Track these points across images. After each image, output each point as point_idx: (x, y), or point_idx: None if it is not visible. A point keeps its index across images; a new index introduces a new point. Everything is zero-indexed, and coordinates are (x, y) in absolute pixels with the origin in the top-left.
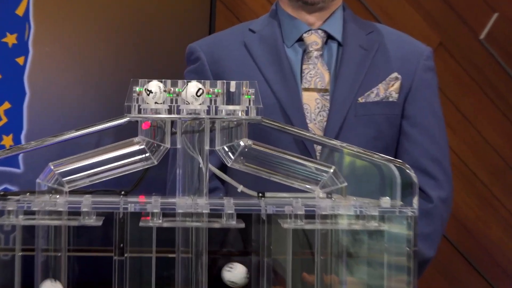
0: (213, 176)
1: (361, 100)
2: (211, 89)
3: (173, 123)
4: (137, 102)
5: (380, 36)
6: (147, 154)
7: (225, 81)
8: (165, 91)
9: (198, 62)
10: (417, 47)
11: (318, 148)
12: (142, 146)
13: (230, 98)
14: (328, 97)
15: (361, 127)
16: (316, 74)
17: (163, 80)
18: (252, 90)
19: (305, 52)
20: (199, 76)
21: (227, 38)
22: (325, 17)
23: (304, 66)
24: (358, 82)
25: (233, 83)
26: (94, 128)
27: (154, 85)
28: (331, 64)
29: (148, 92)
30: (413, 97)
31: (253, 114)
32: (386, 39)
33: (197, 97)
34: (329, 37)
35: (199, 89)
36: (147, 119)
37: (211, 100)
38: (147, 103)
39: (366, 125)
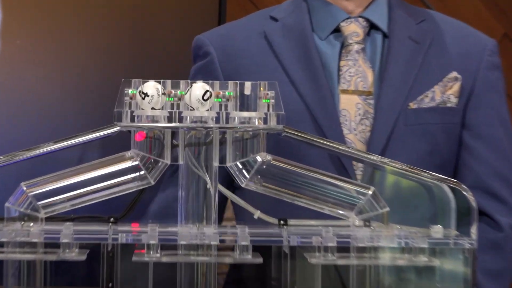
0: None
1: (412, 105)
2: (221, 92)
3: (174, 133)
4: (130, 107)
5: (434, 25)
6: (142, 172)
7: (238, 82)
8: (164, 94)
9: (207, 58)
10: (479, 40)
11: (359, 165)
12: (136, 162)
13: (245, 103)
14: (371, 102)
15: (412, 139)
16: (357, 72)
17: (161, 80)
18: (271, 93)
19: (343, 45)
20: (207, 75)
21: (243, 29)
22: (366, 2)
23: (342, 63)
24: (408, 83)
25: (248, 84)
26: (77, 139)
27: (151, 87)
28: (375, 60)
29: (143, 95)
30: (477, 102)
31: (273, 123)
32: (441, 30)
33: (203, 102)
34: (372, 26)
35: (206, 91)
36: (142, 129)
37: (221, 106)
38: (142, 109)
39: (419, 136)
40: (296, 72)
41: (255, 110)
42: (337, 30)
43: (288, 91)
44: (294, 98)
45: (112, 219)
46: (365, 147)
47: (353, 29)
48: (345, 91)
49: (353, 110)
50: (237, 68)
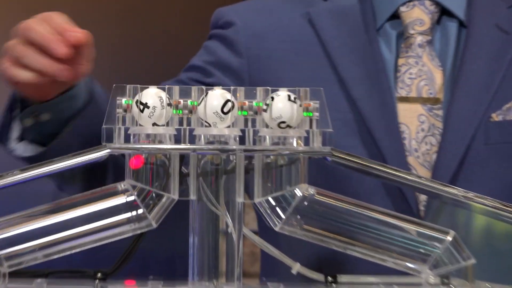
0: None
1: (496, 117)
2: (247, 102)
3: (183, 158)
4: (123, 123)
5: None
6: (140, 211)
7: (269, 88)
8: (170, 104)
9: (230, 27)
10: None
11: (421, 197)
12: (132, 198)
13: None
14: (439, 113)
15: (495, 163)
16: (420, 73)
17: (166, 86)
18: (315, 103)
19: (402, 36)
20: (224, 48)
21: (280, 7)
22: None
23: (400, 61)
24: (492, 87)
25: (282, 93)
26: (51, 167)
27: (152, 95)
28: (445, 57)
29: (142, 107)
30: None
31: (317, 143)
32: None
33: (223, 115)
34: (443, 12)
35: (227, 101)
36: (140, 152)
37: (246, 121)
38: (141, 125)
39: (505, 159)
40: (348, 68)
41: (293, 126)
42: (395, 17)
43: (335, 93)
44: (343, 103)
45: (99, 275)
46: (430, 173)
47: (417, 16)
48: (403, 99)
49: (415, 125)
50: (267, 53)
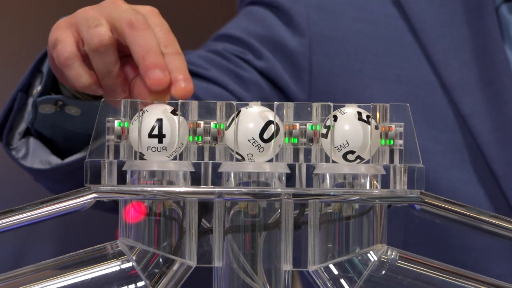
0: None
1: None
2: (297, 125)
3: (204, 207)
4: (117, 155)
5: None
6: (141, 284)
7: (331, 104)
8: (185, 128)
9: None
10: None
11: None
12: (128, 264)
13: None
14: None
15: None
16: None
17: (178, 101)
18: (399, 127)
19: None
20: (279, 24)
21: None
22: None
23: None
24: None
25: (350, 110)
26: (12, 218)
27: (158, 114)
28: None
29: (145, 132)
30: None
31: (401, 184)
32: None
33: (263, 144)
34: None
35: (269, 123)
36: (141, 198)
37: (297, 151)
38: (144, 159)
39: None
40: (453, 71)
41: (364, 159)
42: None
43: (437, 102)
44: (450, 118)
45: None
46: None
47: None
48: None
49: None
50: (340, 35)
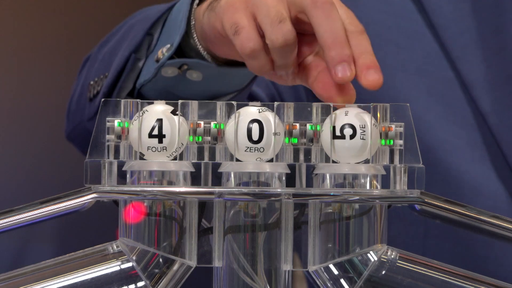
0: None
1: None
2: (297, 125)
3: (204, 207)
4: (117, 155)
5: None
6: (141, 285)
7: (331, 104)
8: (184, 127)
9: None
10: None
11: None
12: (129, 264)
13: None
14: None
15: None
16: None
17: (179, 101)
18: (399, 127)
19: None
20: None
21: None
22: None
23: None
24: None
25: (350, 109)
26: (8, 220)
27: (158, 114)
28: None
29: (145, 132)
30: None
31: (401, 185)
32: None
33: (255, 144)
34: None
35: (269, 123)
36: (140, 198)
37: (297, 152)
38: (144, 159)
39: None
40: (471, 68)
41: (363, 158)
42: None
43: (455, 98)
44: (467, 111)
45: None
46: None
47: None
48: None
49: None
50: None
